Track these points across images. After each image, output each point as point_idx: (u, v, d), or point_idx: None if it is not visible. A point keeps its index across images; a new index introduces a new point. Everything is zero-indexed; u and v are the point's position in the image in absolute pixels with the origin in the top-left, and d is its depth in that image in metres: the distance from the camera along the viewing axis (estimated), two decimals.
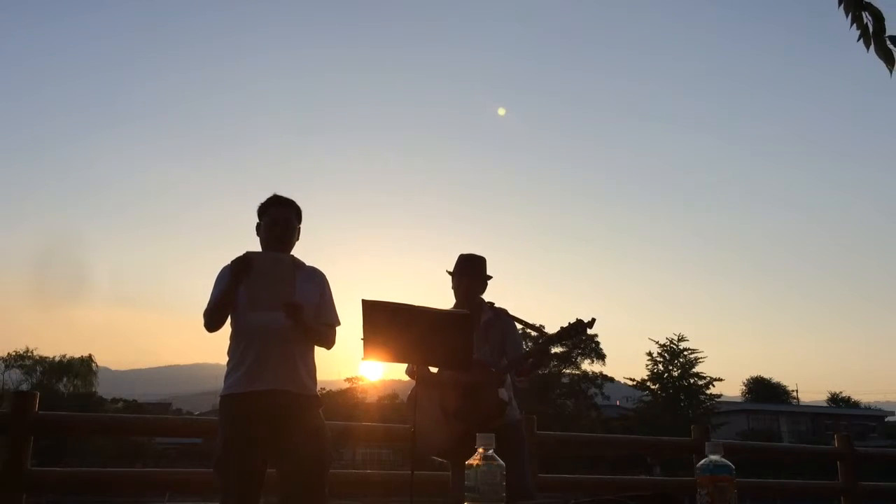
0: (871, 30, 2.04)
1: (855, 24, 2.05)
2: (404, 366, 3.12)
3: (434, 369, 3.23)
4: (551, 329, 3.13)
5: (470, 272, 3.36)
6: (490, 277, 3.40)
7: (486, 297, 3.42)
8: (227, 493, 2.63)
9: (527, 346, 3.39)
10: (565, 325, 3.05)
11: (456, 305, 3.37)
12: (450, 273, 3.39)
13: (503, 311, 3.36)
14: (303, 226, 2.98)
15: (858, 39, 2.05)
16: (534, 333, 3.44)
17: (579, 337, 3.09)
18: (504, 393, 3.13)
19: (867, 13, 2.04)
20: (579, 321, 3.02)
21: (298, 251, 2.97)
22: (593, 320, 3.03)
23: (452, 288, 3.39)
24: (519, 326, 3.40)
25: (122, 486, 4.17)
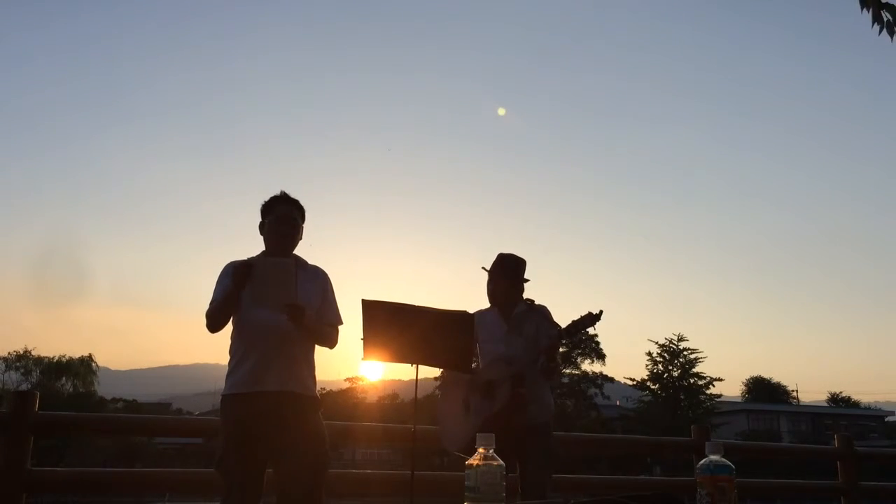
0: (894, 23, 2.30)
1: (876, 23, 2.31)
2: (405, 366, 3.12)
3: None
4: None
5: (502, 276, 3.33)
6: (527, 280, 3.35)
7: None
8: (229, 492, 2.63)
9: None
10: (576, 318, 3.06)
11: (490, 304, 3.36)
12: (485, 269, 3.36)
13: (542, 308, 3.32)
14: (305, 225, 2.98)
15: (881, 33, 2.32)
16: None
17: (588, 328, 3.11)
18: (523, 391, 3.09)
19: (886, 11, 2.31)
20: (589, 313, 3.05)
21: (300, 250, 2.97)
22: (601, 312, 3.05)
23: (487, 286, 3.37)
24: None
25: (122, 486, 4.17)
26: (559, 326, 3.12)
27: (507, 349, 3.13)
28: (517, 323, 3.25)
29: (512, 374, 3.07)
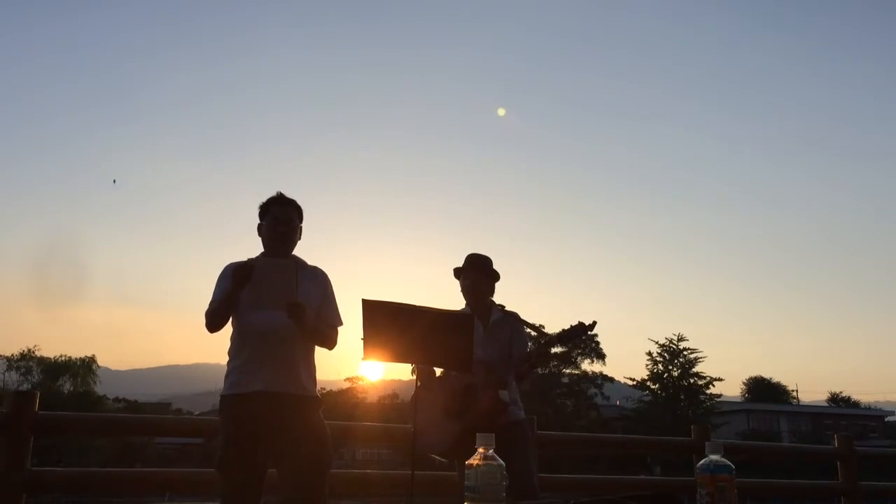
0: None
1: None
2: (405, 366, 3.13)
3: (438, 370, 3.24)
4: (550, 329, 3.15)
5: (475, 269, 3.37)
6: (497, 276, 3.40)
7: (495, 299, 3.44)
8: (229, 493, 2.63)
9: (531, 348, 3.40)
10: (567, 327, 3.08)
11: (466, 305, 3.38)
12: (456, 274, 3.40)
13: (513, 314, 3.37)
14: (304, 225, 2.98)
15: None
16: (533, 333, 3.44)
17: (580, 338, 3.10)
18: (505, 394, 3.13)
19: None
20: (581, 323, 3.04)
21: (300, 250, 2.97)
22: (594, 323, 3.04)
23: (460, 288, 3.40)
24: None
25: (122, 486, 4.17)
26: (548, 334, 3.13)
27: (484, 354, 3.16)
28: (494, 329, 3.29)
29: (492, 378, 3.09)
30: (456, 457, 3.06)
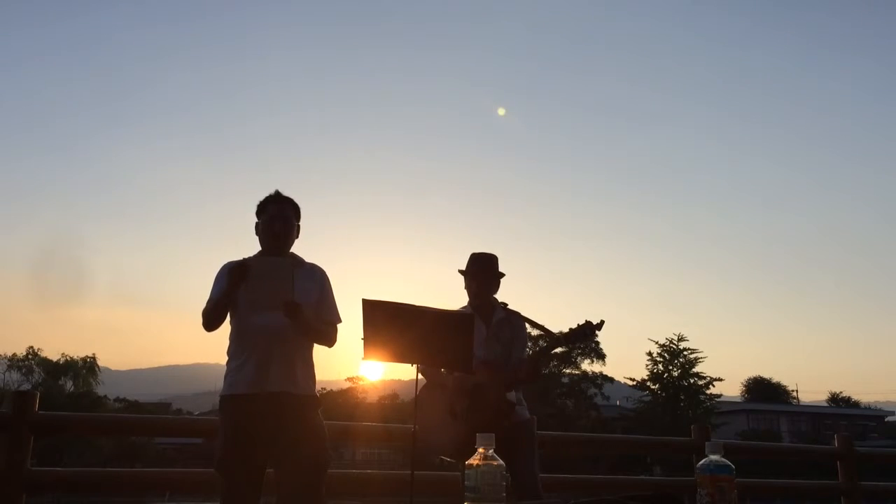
0: None
1: None
2: (405, 366, 3.12)
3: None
4: (553, 329, 3.13)
5: (482, 271, 3.35)
6: (503, 275, 3.38)
7: (499, 297, 3.41)
8: (228, 493, 2.63)
9: (535, 349, 3.38)
10: (574, 326, 3.00)
11: (469, 304, 3.37)
12: (462, 272, 3.38)
13: (516, 314, 3.35)
14: (305, 225, 2.98)
15: None
16: (537, 333, 3.43)
17: (588, 339, 3.05)
18: (512, 394, 3.12)
19: None
20: (588, 322, 2.97)
21: (300, 250, 2.97)
22: (602, 322, 2.96)
23: (465, 287, 3.38)
24: (528, 328, 3.41)
25: (122, 486, 4.17)
26: (554, 334, 3.11)
27: (487, 354, 3.15)
28: (497, 329, 3.27)
29: (498, 378, 3.09)
30: (463, 458, 3.06)
